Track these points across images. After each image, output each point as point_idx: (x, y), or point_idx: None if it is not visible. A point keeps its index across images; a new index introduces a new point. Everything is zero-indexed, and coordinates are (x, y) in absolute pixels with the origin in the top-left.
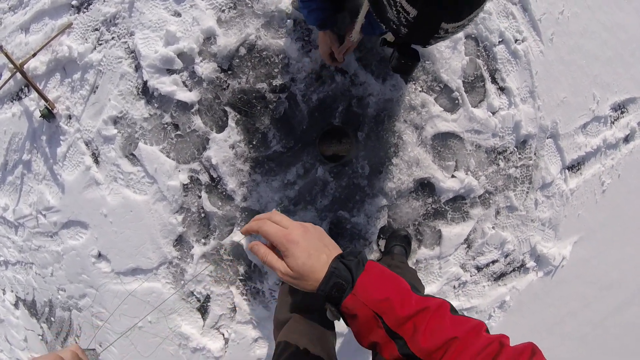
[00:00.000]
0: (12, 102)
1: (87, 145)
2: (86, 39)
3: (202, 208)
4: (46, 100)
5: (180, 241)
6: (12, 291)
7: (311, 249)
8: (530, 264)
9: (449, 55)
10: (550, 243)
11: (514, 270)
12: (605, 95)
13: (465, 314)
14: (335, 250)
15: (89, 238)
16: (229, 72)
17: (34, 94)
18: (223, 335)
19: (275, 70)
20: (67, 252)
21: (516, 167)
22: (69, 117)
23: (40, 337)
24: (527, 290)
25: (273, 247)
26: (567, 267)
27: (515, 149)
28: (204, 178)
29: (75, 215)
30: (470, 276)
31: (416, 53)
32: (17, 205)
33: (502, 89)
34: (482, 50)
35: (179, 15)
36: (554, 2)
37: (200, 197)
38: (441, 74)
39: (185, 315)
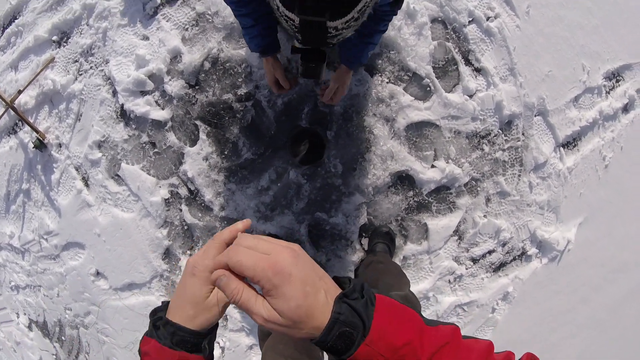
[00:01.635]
0: (9, 136)
1: (77, 170)
2: (68, 71)
3: (184, 220)
4: (37, 131)
5: (168, 254)
6: (24, 314)
7: (307, 284)
8: (532, 250)
9: (415, 42)
10: (551, 227)
11: (514, 259)
12: (596, 64)
13: (465, 308)
14: (330, 283)
15: (86, 257)
16: (196, 87)
17: (27, 127)
18: (218, 344)
19: (239, 79)
20: (69, 272)
21: (503, 150)
22: (59, 145)
23: (54, 357)
24: (531, 279)
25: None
26: (573, 251)
27: (500, 131)
28: (182, 191)
29: (73, 236)
30: (466, 269)
31: (320, 55)
32: (22, 232)
33: (477, 70)
34: (451, 33)
35: (147, 38)
36: None
37: (181, 210)
38: (408, 62)
39: None
